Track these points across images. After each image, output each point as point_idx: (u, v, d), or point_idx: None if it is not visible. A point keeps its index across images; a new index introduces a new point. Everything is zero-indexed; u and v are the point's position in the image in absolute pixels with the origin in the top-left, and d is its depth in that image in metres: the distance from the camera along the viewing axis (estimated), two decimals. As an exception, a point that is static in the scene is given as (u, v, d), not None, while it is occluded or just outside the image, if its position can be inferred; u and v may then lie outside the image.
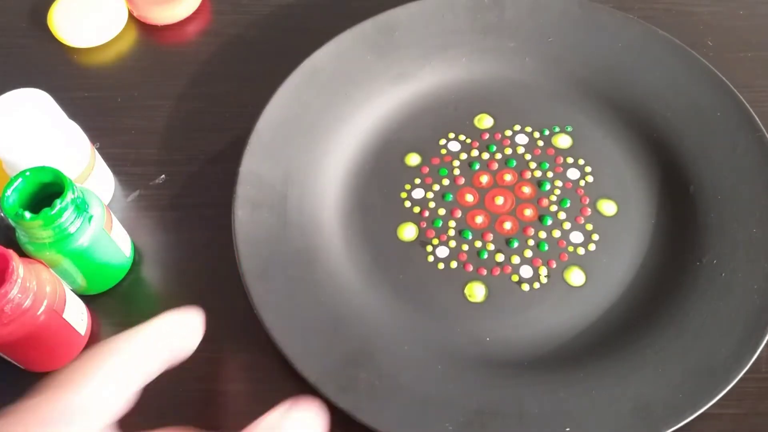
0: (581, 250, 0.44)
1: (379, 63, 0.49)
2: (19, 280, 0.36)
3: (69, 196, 0.37)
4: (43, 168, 0.38)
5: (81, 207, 0.39)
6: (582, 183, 0.46)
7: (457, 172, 0.46)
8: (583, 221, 0.44)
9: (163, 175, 0.48)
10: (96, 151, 0.45)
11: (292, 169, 0.45)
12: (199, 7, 0.55)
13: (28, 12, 0.55)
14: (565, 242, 0.44)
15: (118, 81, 0.52)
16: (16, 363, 0.40)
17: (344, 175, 0.46)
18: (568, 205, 0.45)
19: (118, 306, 0.44)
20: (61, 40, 0.53)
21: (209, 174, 0.48)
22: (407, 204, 0.45)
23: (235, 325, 0.42)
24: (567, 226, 0.44)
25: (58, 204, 0.37)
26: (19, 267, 0.36)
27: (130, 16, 0.55)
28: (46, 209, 0.37)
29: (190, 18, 0.55)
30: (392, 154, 0.47)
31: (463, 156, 0.47)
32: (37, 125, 0.41)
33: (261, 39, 0.54)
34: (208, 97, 0.51)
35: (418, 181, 0.46)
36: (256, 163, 0.44)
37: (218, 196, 0.46)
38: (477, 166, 0.46)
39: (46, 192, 0.39)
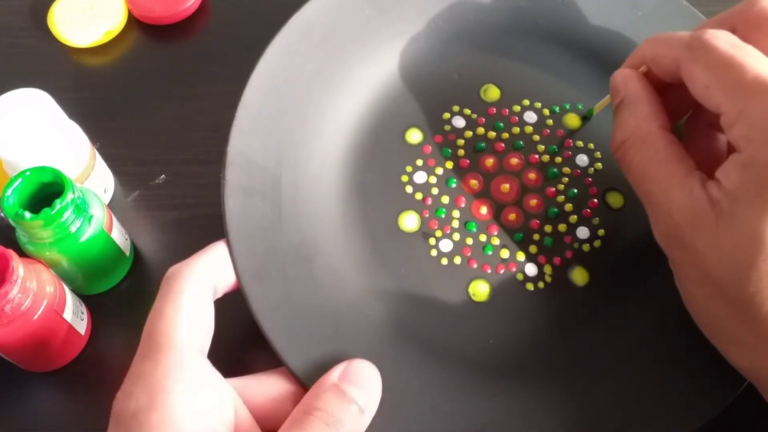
0: (587, 247, 0.42)
1: (379, 18, 0.45)
2: (19, 280, 0.36)
3: (69, 196, 0.37)
4: (43, 168, 0.38)
5: (81, 207, 0.39)
6: (591, 171, 0.44)
7: (461, 153, 0.44)
8: (590, 215, 0.43)
9: (163, 175, 0.48)
10: (96, 151, 0.45)
11: (284, 146, 0.42)
12: (199, 7, 0.55)
13: (28, 12, 0.55)
14: (571, 238, 0.42)
15: (118, 81, 0.52)
16: (16, 363, 0.40)
17: (342, 155, 0.43)
18: (576, 196, 0.43)
19: (118, 306, 0.44)
20: (61, 40, 0.53)
21: (209, 174, 0.48)
22: (409, 189, 0.43)
23: (235, 325, 0.42)
24: (573, 219, 0.43)
25: (58, 204, 0.37)
26: (19, 267, 0.36)
27: (130, 16, 0.55)
28: (46, 209, 0.37)
29: (190, 18, 0.55)
30: (392, 129, 0.44)
31: (469, 134, 0.44)
32: (37, 125, 0.41)
33: (261, 39, 0.54)
34: (208, 97, 0.51)
35: (420, 162, 0.44)
36: (245, 142, 0.41)
37: (218, 196, 0.46)
38: (483, 146, 0.44)
39: (46, 192, 0.39)
